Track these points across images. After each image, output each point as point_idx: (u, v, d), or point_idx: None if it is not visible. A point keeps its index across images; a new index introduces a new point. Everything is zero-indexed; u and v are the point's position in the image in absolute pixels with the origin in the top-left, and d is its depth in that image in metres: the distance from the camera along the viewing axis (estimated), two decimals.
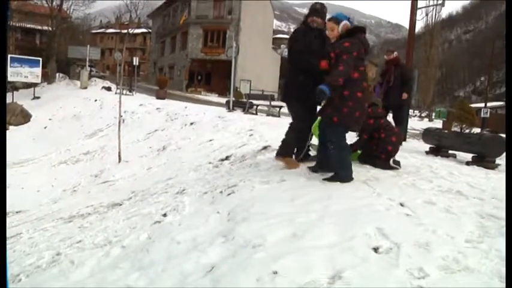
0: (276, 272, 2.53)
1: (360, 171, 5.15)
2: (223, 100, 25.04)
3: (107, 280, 3.27)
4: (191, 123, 12.14)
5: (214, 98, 32.80)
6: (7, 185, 11.12)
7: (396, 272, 2.47)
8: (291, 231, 3.12)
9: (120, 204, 6.61)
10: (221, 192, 4.84)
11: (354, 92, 4.50)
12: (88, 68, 29.45)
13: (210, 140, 9.46)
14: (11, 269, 5.23)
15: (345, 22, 4.61)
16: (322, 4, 5.47)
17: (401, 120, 9.93)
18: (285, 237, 3.05)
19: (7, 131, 18.31)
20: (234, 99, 17.08)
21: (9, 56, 23.62)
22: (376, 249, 2.76)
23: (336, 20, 4.66)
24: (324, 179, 4.64)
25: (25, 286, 4.13)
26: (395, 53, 9.44)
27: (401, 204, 3.75)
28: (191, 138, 10.41)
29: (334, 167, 4.70)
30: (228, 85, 24.19)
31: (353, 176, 4.64)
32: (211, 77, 41.78)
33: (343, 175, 4.58)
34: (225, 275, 2.64)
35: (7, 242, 7.19)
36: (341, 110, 4.51)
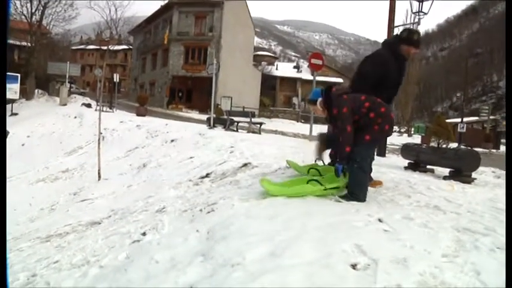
0: None
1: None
2: (204, 117, 25.06)
3: None
4: (172, 140, 12.10)
5: (195, 114, 32.80)
6: None
7: None
8: (270, 249, 3.12)
9: (99, 223, 6.53)
10: (201, 210, 4.81)
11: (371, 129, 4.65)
12: (68, 85, 29.21)
13: (191, 157, 9.43)
14: None
15: (319, 100, 4.83)
16: (418, 33, 5.30)
17: None
18: (264, 255, 3.04)
19: None
20: (214, 116, 17.11)
21: None
22: (354, 266, 2.77)
23: (312, 101, 4.94)
24: (340, 197, 4.66)
25: None
26: None
27: (380, 220, 3.79)
28: (172, 156, 10.37)
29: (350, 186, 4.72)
30: (209, 102, 24.25)
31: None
32: (192, 93, 41.80)
33: (361, 196, 4.61)
34: None
35: None
36: (343, 149, 4.61)
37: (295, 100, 52.15)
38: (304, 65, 59.34)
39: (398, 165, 8.80)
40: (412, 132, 41.37)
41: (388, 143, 12.30)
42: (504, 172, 8.06)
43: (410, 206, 4.51)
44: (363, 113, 4.64)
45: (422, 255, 2.97)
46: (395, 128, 41.30)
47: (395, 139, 26.76)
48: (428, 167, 8.15)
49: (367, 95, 4.73)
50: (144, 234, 4.53)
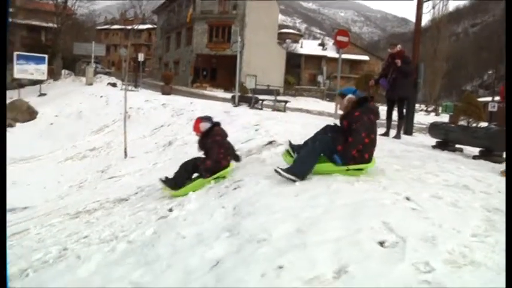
0: (281, 266, 2.52)
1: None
2: (228, 95, 25.03)
3: (112, 276, 3.28)
4: None
5: (219, 93, 32.80)
6: (14, 182, 11.22)
7: (402, 266, 2.46)
8: (296, 225, 3.11)
9: (127, 200, 6.64)
10: (226, 187, 4.84)
11: (362, 151, 4.65)
12: (93, 65, 29.51)
13: None
14: (19, 264, 5.27)
15: (350, 96, 4.86)
16: None
17: (406, 114, 9.90)
18: (290, 231, 3.04)
19: (14, 128, 18.42)
20: (239, 94, 17.06)
21: (15, 53, 23.73)
22: (381, 243, 2.75)
23: (342, 94, 4.98)
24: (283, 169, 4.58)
25: (33, 281, 4.15)
26: (398, 46, 9.39)
27: (408, 198, 3.73)
28: None
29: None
30: (233, 80, 24.17)
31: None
32: (217, 72, 41.77)
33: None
34: (229, 270, 2.64)
35: (15, 237, 7.25)
36: (349, 151, 4.61)
37: (320, 78, 51.52)
38: (330, 42, 58.41)
39: (425, 144, 8.65)
40: (440, 111, 40.50)
41: (414, 121, 12.08)
42: None
43: (439, 185, 4.42)
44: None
45: (451, 234, 2.92)
46: (423, 106, 40.53)
47: (422, 118, 26.27)
48: (457, 146, 7.98)
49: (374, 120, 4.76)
50: (170, 210, 4.59)
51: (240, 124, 10.01)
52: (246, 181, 4.80)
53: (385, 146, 7.01)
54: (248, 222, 3.33)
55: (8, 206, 9.62)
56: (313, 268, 2.49)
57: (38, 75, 24.36)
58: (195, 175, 5.68)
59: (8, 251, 6.67)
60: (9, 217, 9.02)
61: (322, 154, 4.73)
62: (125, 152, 10.69)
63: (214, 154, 5.50)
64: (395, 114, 9.59)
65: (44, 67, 24.49)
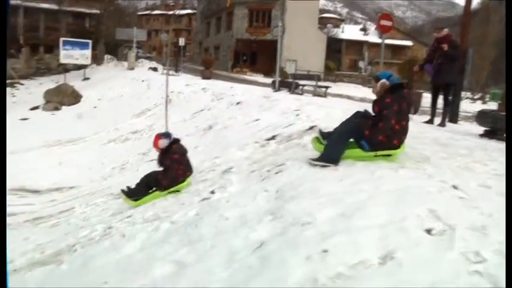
0: (325, 250, 2.51)
1: (408, 152, 5.01)
2: (268, 80, 24.92)
3: (156, 254, 3.36)
4: (237, 103, 12.15)
5: (259, 78, 32.72)
6: (60, 162, 11.63)
7: (451, 255, 2.39)
8: (341, 210, 3.08)
9: None
10: (268, 171, 4.84)
11: (391, 137, 4.58)
12: (135, 50, 30.04)
13: (256, 120, 9.43)
14: (67, 240, 5.48)
15: (383, 81, 4.79)
16: None
17: (452, 100, 9.58)
18: (335, 216, 3.01)
19: (60, 111, 19.05)
20: (279, 79, 16.95)
21: (61, 39, 24.44)
22: (429, 231, 2.68)
23: (377, 78, 4.94)
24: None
25: (80, 256, 4.30)
26: (445, 29, 9.03)
27: (455, 187, 3.62)
28: (237, 118, 10.42)
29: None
30: (273, 65, 24.07)
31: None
32: (257, 57, 41.64)
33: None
34: (274, 252, 2.65)
35: (62, 215, 7.54)
36: (376, 136, 4.56)
37: (361, 64, 50.55)
38: (371, 27, 57.08)
39: (472, 132, 8.36)
40: (487, 99, 39.00)
41: (460, 110, 11.68)
42: None
43: (488, 174, 4.27)
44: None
45: (502, 224, 2.81)
46: (468, 94, 39.16)
47: (468, 106, 25.39)
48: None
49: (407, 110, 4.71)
50: (212, 192, 4.63)
51: (280, 109, 9.95)
52: (288, 165, 4.78)
53: (430, 134, 6.82)
54: (292, 205, 3.32)
55: (55, 186, 10.06)
56: (358, 253, 2.47)
57: (82, 60, 25.07)
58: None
59: (54, 228, 6.95)
60: (56, 196, 9.38)
61: (351, 139, 4.72)
62: None
63: (173, 173, 5.81)
64: (440, 102, 9.30)
65: (88, 52, 25.16)
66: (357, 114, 4.93)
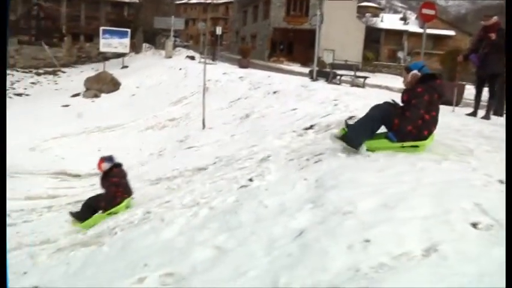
0: (367, 240, 2.47)
1: (452, 144, 4.88)
2: (305, 70, 24.74)
3: (196, 239, 3.40)
4: (274, 92, 12.12)
5: (296, 67, 32.48)
6: (99, 148, 11.92)
7: (498, 251, 2.31)
8: (382, 200, 3.03)
9: (205, 169, 6.83)
10: (307, 160, 4.81)
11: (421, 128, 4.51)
12: (172, 38, 30.30)
13: (294, 109, 9.39)
14: (107, 223, 5.63)
15: (414, 71, 4.71)
16: None
17: (498, 92, 9.22)
18: (376, 206, 2.96)
19: (99, 98, 19.50)
20: (317, 68, 16.79)
21: (101, 28, 24.97)
22: (475, 225, 2.60)
23: (408, 69, 4.87)
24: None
25: (121, 239, 4.41)
26: (494, 17, 8.63)
27: (501, 182, 3.49)
28: (274, 107, 10.41)
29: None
30: (310, 55, 23.80)
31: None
32: (294, 46, 41.30)
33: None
34: (314, 240, 2.63)
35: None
36: (405, 126, 4.48)
37: (400, 54, 49.30)
38: (412, 16, 55.53)
39: None
40: None
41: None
42: None
43: None
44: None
45: None
46: None
47: None
48: None
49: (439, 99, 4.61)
50: (251, 180, 4.65)
51: (318, 99, 9.87)
52: (326, 155, 4.74)
53: (473, 127, 6.60)
54: (332, 194, 3.29)
55: (94, 171, 10.32)
56: (401, 244, 2.42)
57: (121, 48, 25.55)
58: None
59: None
60: (96, 180, 9.60)
61: (377, 131, 4.71)
62: (203, 123, 10.95)
63: (109, 195, 6.34)
64: (485, 94, 8.96)
65: (126, 41, 25.62)
66: (385, 103, 4.87)
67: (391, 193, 3.17)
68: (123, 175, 6.66)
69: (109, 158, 6.73)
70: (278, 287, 2.25)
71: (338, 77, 16.42)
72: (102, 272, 3.67)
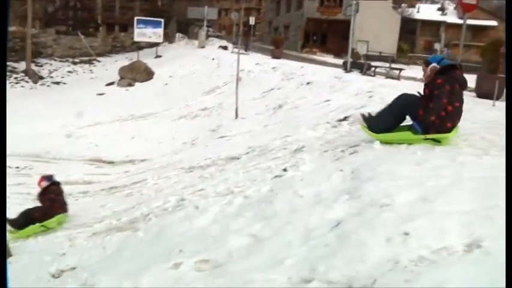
0: (407, 233, 2.43)
1: (493, 140, 4.73)
2: (338, 61, 24.46)
3: (230, 227, 3.42)
4: (307, 83, 12.04)
5: (329, 58, 32.15)
6: (133, 136, 12.13)
7: None
8: (421, 194, 2.97)
9: (238, 158, 6.84)
10: (342, 151, 4.76)
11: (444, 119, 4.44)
12: (205, 28, 30.41)
13: (327, 100, 9.30)
14: (141, 209, 5.73)
15: (433, 65, 4.70)
16: None
17: None
18: (415, 199, 2.90)
19: (133, 87, 19.80)
20: (351, 60, 16.57)
21: (135, 18, 25.29)
22: None
23: (427, 62, 4.86)
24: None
25: (155, 225, 4.48)
26: None
27: None
28: (307, 98, 10.34)
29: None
30: (344, 46, 23.51)
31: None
32: (327, 37, 40.83)
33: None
34: (351, 231, 2.60)
35: (135, 186, 7.89)
36: (428, 116, 4.43)
37: (437, 46, 47.91)
38: (450, 7, 54.02)
39: None
40: None
41: None
42: None
43: None
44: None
45: None
46: None
47: None
48: None
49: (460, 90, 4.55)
50: (285, 170, 4.64)
51: (352, 90, 9.75)
52: (362, 147, 4.68)
53: None
54: (369, 186, 3.25)
55: (128, 158, 10.52)
56: (441, 238, 2.36)
57: (155, 38, 25.83)
58: None
59: (128, 198, 7.27)
60: (130, 167, 9.82)
61: (402, 122, 4.70)
62: (236, 113, 10.98)
63: (43, 208, 6.70)
64: None
65: (160, 31, 25.87)
66: (411, 94, 4.86)
67: (430, 187, 3.10)
68: (59, 192, 7.09)
69: (48, 177, 7.20)
70: (316, 276, 2.24)
71: (372, 69, 16.16)
72: (138, 256, 3.74)
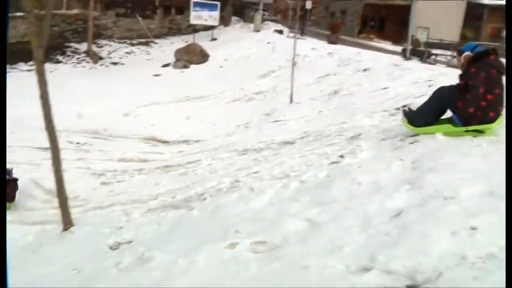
0: (474, 228, 2.32)
1: None
2: (397, 48, 23.73)
3: (286, 211, 3.41)
4: (364, 70, 11.76)
5: (387, 45, 31.22)
6: (188, 117, 12.33)
7: None
8: (488, 188, 2.83)
9: (293, 143, 6.80)
10: (401, 140, 4.62)
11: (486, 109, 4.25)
12: (261, 12, 30.28)
13: (385, 88, 9.05)
14: (195, 189, 5.82)
15: (466, 53, 4.58)
16: None
17: None
18: (481, 193, 2.77)
19: (188, 69, 20.08)
20: (411, 47, 16.03)
21: (192, 1, 25.50)
22: None
23: (460, 52, 4.76)
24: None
25: (210, 204, 4.54)
26: None
27: None
28: (364, 85, 10.11)
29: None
30: (403, 32, 22.75)
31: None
32: (386, 23, 39.69)
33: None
34: (414, 222, 2.52)
35: (190, 165, 8.03)
36: (467, 108, 4.27)
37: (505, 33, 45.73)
38: None
39: None
40: None
41: None
42: None
43: None
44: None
45: None
46: None
47: None
48: None
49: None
50: (341, 156, 4.56)
51: (412, 78, 9.43)
52: (423, 136, 4.52)
53: None
54: (432, 177, 3.13)
55: (182, 138, 10.71)
56: None
57: (210, 21, 25.97)
58: None
59: (183, 177, 7.42)
60: (184, 147, 9.99)
61: (443, 115, 4.59)
62: (291, 98, 10.91)
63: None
64: None
65: (216, 14, 25.98)
66: (450, 85, 4.69)
67: (498, 181, 2.94)
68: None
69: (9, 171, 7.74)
70: (375, 265, 2.19)
71: (433, 57, 15.58)
72: (193, 233, 3.81)
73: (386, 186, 3.20)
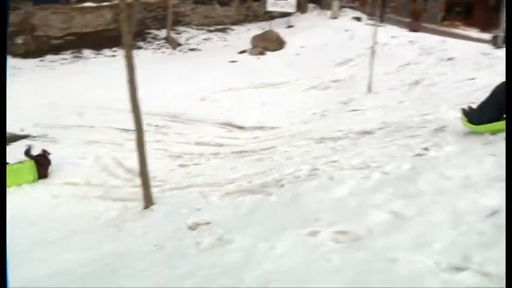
0: None
1: None
2: (485, 36, 22.24)
3: (369, 201, 3.33)
4: (448, 59, 11.20)
5: (474, 33, 29.41)
6: (263, 103, 12.38)
7: None
8: None
9: (371, 133, 6.64)
10: (494, 134, 4.35)
11: None
12: None
13: (472, 79, 8.56)
14: (273, 175, 5.86)
15: None
16: None
17: None
18: None
19: (265, 56, 20.14)
20: (503, 34, 14.97)
21: None
22: None
23: None
24: None
25: (288, 191, 4.55)
26: None
27: None
28: (448, 75, 9.63)
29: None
30: (492, 18, 21.26)
31: None
32: (473, 8, 37.41)
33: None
34: None
35: (265, 152, 8.08)
36: None
37: None
38: None
39: None
40: None
41: None
42: None
43: None
44: None
45: None
46: None
47: None
48: None
49: None
50: (426, 149, 4.38)
51: (503, 68, 8.80)
52: None
53: None
54: None
55: (257, 124, 10.79)
56: None
57: (287, 8, 25.83)
58: None
59: (258, 162, 7.47)
60: (259, 134, 10.07)
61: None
62: (369, 87, 10.62)
63: None
64: None
65: (293, 1, 25.76)
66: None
67: None
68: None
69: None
70: (470, 265, 2.09)
71: None
72: (272, 218, 3.84)
73: (478, 183, 3.03)
